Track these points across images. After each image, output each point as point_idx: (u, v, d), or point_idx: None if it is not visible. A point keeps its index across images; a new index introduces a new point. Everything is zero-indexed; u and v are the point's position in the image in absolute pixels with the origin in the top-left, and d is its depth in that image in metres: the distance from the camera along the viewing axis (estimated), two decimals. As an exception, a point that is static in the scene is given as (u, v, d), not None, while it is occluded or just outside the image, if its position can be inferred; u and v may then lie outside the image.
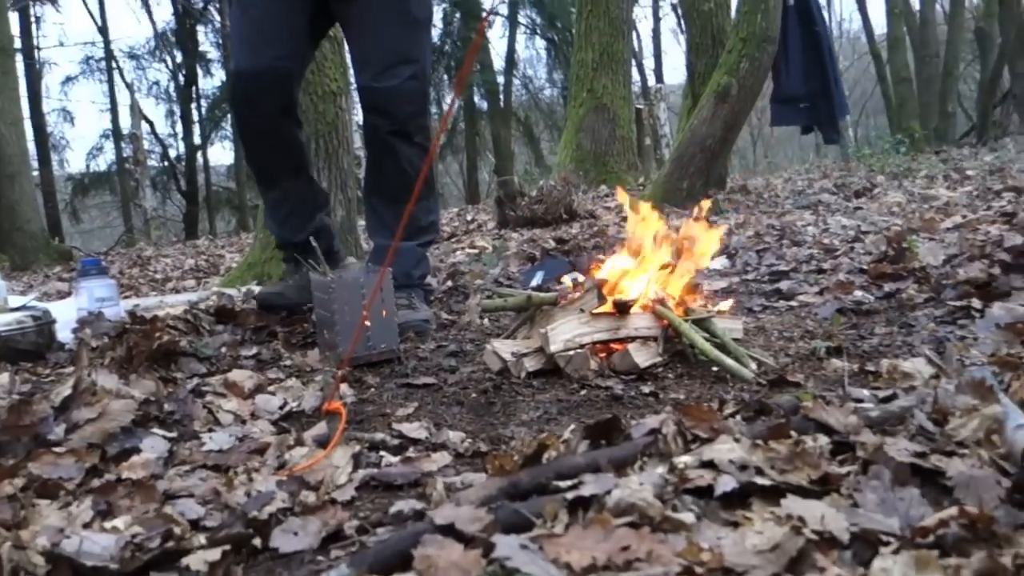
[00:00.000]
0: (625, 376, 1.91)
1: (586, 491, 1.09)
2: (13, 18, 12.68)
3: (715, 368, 1.89)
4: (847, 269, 2.97)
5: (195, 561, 1.04)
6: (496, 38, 21.36)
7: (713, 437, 1.27)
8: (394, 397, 1.88)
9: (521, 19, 20.93)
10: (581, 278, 2.27)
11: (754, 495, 1.10)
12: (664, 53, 29.97)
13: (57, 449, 1.45)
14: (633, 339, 2.01)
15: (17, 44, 11.76)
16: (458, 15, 20.37)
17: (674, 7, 23.06)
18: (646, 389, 1.80)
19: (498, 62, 21.07)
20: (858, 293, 2.53)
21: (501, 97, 21.01)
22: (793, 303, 2.58)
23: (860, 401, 1.47)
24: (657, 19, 24.67)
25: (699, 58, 7.39)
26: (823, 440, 1.22)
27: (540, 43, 21.56)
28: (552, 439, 1.27)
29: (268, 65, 2.41)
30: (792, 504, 1.04)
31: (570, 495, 1.09)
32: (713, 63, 6.87)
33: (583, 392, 1.83)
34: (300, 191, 2.64)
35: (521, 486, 1.13)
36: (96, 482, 1.36)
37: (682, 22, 15.23)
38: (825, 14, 6.97)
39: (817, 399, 1.41)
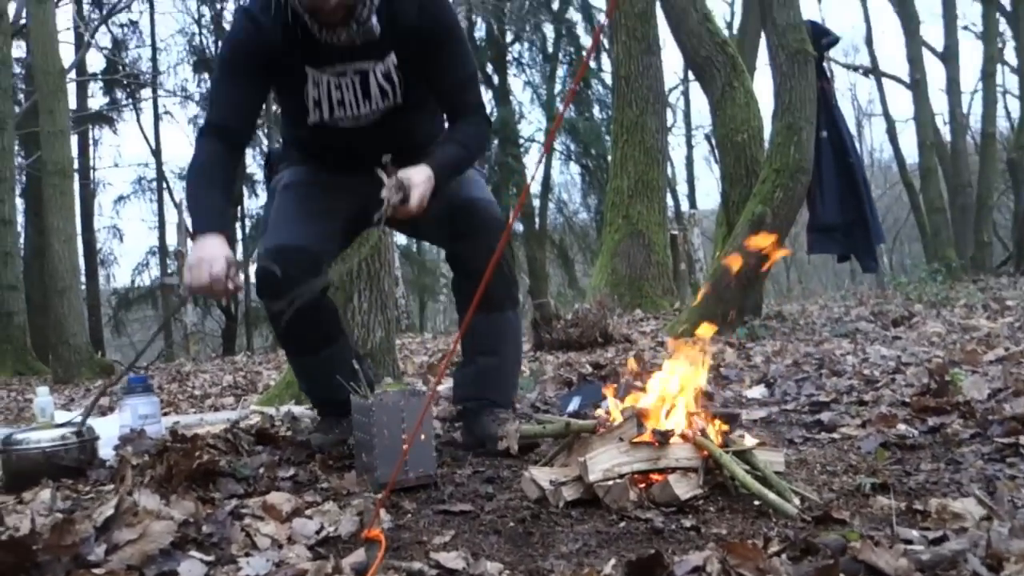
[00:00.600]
0: (665, 508, 1.88)
1: (630, 633, 1.07)
2: (72, 140, 13.26)
3: (757, 502, 1.86)
4: (889, 401, 2.93)
5: None
6: (532, 163, 21.89)
7: (759, 577, 1.24)
8: (431, 524, 1.86)
9: (557, 145, 21.52)
10: (616, 403, 2.26)
11: (803, 641, 1.07)
12: (697, 179, 30.59)
13: (96, 571, 1.45)
14: (673, 470, 1.99)
15: (74, 166, 12.25)
16: (496, 141, 21.00)
17: (707, 137, 23.63)
18: (687, 523, 1.77)
19: (534, 186, 21.55)
20: (901, 427, 2.49)
21: (536, 220, 21.41)
22: (835, 435, 2.54)
23: (909, 542, 1.44)
24: (690, 147, 25.28)
25: (733, 187, 7.51)
26: (873, 583, 1.19)
27: (575, 168, 22.08)
28: (593, 574, 1.25)
29: (306, 244, 2.44)
30: (844, 652, 1.01)
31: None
32: (747, 192, 6.98)
33: (622, 524, 1.80)
34: (340, 356, 2.62)
35: (563, 625, 1.11)
36: (133, 607, 1.35)
37: (715, 151, 15.60)
38: (857, 144, 7.09)
39: (865, 539, 1.37)
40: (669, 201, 19.05)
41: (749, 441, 2.09)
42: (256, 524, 1.78)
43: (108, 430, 2.64)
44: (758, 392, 3.42)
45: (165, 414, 3.69)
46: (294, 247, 2.41)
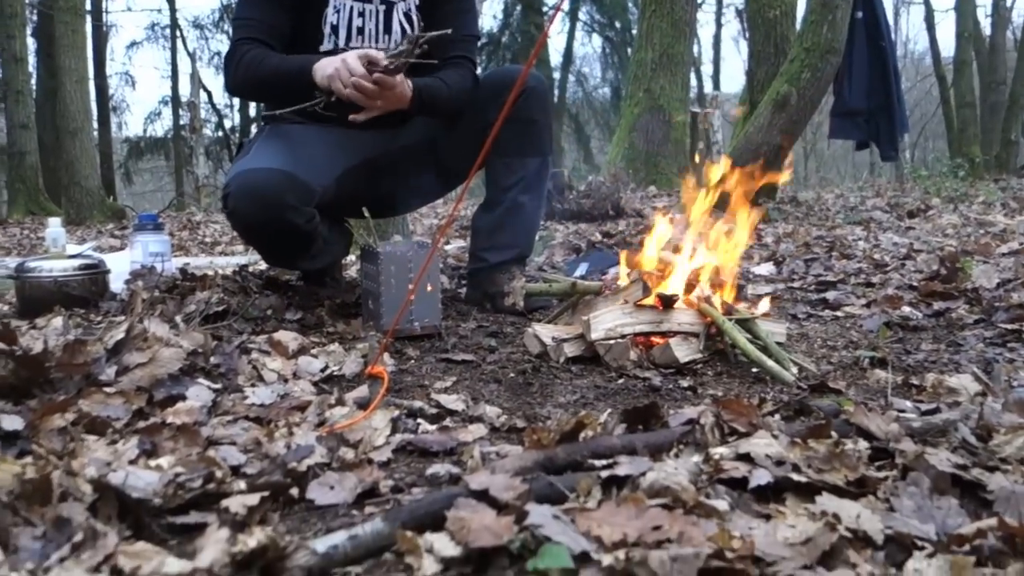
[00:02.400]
0: (664, 369, 1.91)
1: (621, 471, 1.10)
2: (85, -22, 12.90)
3: (755, 369, 1.89)
4: (896, 285, 2.93)
5: (234, 504, 1.07)
6: (554, 33, 21.30)
7: (751, 432, 1.27)
8: (433, 370, 1.90)
9: (580, 16, 20.88)
10: (626, 270, 2.27)
11: (788, 491, 1.10)
12: (723, 60, 29.67)
13: (107, 389, 1.49)
14: (675, 334, 2.01)
15: (87, 6, 11.97)
16: (519, 8, 20.38)
17: (738, 13, 22.85)
18: (684, 383, 1.80)
19: (555, 57, 21.05)
20: (906, 309, 2.50)
21: (556, 92, 20.99)
22: (839, 313, 2.56)
23: (902, 411, 1.46)
24: (719, 25, 24.46)
25: (760, 65, 7.31)
26: (863, 444, 1.22)
27: (597, 41, 21.49)
28: (590, 419, 1.28)
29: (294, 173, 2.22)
30: (827, 502, 1.04)
31: (604, 473, 1.10)
32: (774, 71, 6.80)
33: (621, 381, 1.83)
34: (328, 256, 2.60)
35: (557, 461, 1.14)
36: (142, 423, 1.39)
37: (745, 29, 15.10)
38: (892, 31, 6.85)
39: (859, 405, 1.40)
40: (692, 80, 18.62)
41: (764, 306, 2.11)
42: (263, 359, 1.82)
43: (119, 266, 2.67)
44: (766, 269, 3.43)
45: (176, 256, 3.72)
46: (285, 171, 2.21)
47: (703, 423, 1.28)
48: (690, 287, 2.13)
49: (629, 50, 18.25)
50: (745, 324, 1.99)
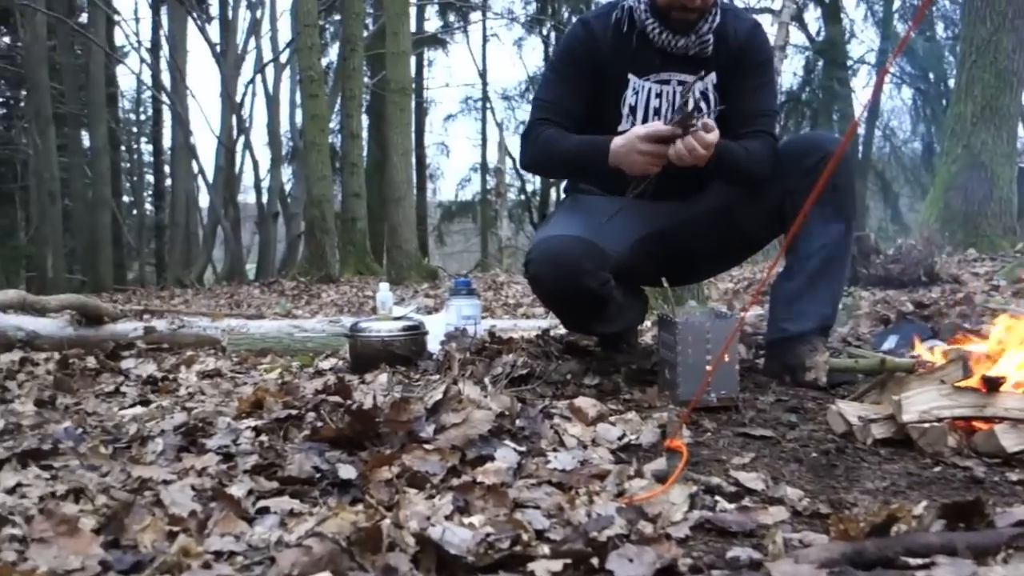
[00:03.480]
0: (988, 459, 1.74)
1: (939, 573, 1.03)
2: (412, 61, 14.34)
3: (1102, 466, 1.67)
4: None
5: (539, 568, 1.13)
6: (859, 86, 20.34)
7: (1097, 542, 1.13)
8: (731, 444, 1.87)
9: (890, 68, 19.76)
10: (944, 347, 2.12)
11: None
12: (1060, 107, 26.64)
13: (426, 446, 1.64)
14: (1001, 420, 1.83)
15: (412, 85, 13.29)
16: (820, 63, 19.73)
17: (1077, 57, 20.49)
18: (1013, 476, 1.64)
19: (859, 111, 20.06)
20: None
21: (860, 147, 19.96)
22: None
23: None
24: (1053, 70, 22.04)
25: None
26: None
27: (907, 93, 20.21)
28: (903, 511, 1.21)
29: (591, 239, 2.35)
30: None
31: (920, 574, 1.03)
32: (1124, 121, 6.03)
33: (937, 469, 1.70)
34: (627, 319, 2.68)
35: (866, 555, 1.09)
36: (456, 481, 1.51)
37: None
38: None
39: None
40: (1020, 132, 16.92)
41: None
42: (564, 424, 1.90)
43: (436, 327, 2.91)
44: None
45: (483, 318, 3.97)
46: (582, 238, 2.35)
47: (1037, 527, 1.16)
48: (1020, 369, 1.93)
49: (943, 102, 17.01)
50: (1088, 413, 1.77)
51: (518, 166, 2.76)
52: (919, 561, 1.07)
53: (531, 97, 21.67)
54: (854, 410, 1.94)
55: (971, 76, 9.10)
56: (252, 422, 1.96)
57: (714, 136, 2.19)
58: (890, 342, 3.02)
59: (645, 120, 2.47)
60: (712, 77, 2.49)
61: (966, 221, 8.83)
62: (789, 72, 19.56)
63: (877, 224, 20.04)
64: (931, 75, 18.82)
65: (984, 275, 6.33)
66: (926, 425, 1.82)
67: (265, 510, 1.44)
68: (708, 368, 2.10)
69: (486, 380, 2.24)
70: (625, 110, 2.48)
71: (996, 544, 1.13)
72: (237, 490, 1.49)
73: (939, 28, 18.93)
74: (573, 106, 2.49)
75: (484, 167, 22.19)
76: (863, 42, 21.00)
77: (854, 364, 2.27)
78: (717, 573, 1.14)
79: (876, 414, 1.91)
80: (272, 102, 19.26)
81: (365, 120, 17.12)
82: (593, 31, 2.47)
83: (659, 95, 2.47)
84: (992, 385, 1.85)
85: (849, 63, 19.72)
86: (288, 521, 1.38)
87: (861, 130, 19.92)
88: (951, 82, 13.13)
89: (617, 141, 2.28)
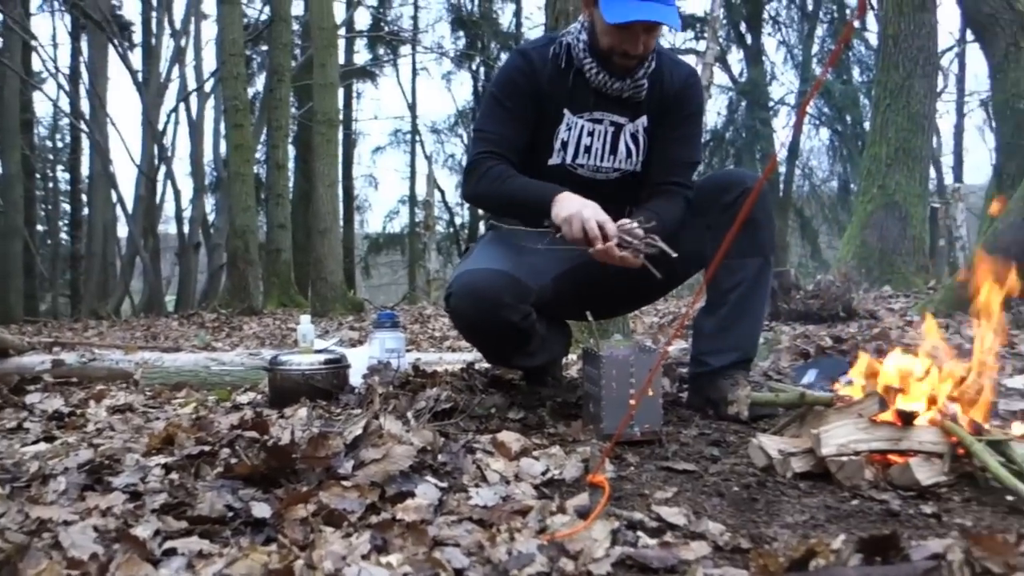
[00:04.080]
0: (903, 492, 1.77)
1: (857, 608, 1.03)
2: (340, 93, 14.27)
3: (1010, 497, 1.71)
4: None
5: (457, 610, 1.10)
6: (779, 126, 20.97)
7: (1008, 574, 1.15)
8: (653, 479, 1.87)
9: (808, 110, 20.44)
10: (859, 380, 2.15)
11: (1055, 647, 0.98)
12: (966, 151, 27.88)
13: (344, 483, 1.59)
14: (915, 453, 1.87)
15: (340, 117, 13.22)
16: (743, 103, 20.29)
17: (983, 103, 21.51)
18: (927, 509, 1.66)
19: (780, 151, 20.64)
20: None
21: (780, 186, 20.53)
22: (1111, 437, 2.27)
23: None
24: (961, 115, 23.08)
25: (1009, 159, 6.84)
26: None
27: (824, 134, 20.90)
28: (822, 546, 1.21)
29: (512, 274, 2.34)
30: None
31: (839, 609, 1.03)
32: (1026, 164, 6.33)
33: (855, 502, 1.72)
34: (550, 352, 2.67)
35: (786, 590, 1.09)
36: (374, 518, 1.47)
37: (991, 119, 14.19)
38: None
39: None
40: (932, 173, 17.64)
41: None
42: (487, 459, 1.87)
43: (358, 360, 2.86)
44: (1021, 382, 3.12)
45: (408, 351, 3.92)
46: (503, 271, 2.34)
47: (951, 559, 1.17)
48: (933, 402, 1.98)
49: (859, 143, 17.62)
50: (997, 446, 1.82)
51: (460, 196, 2.71)
52: (837, 596, 1.07)
53: (460, 131, 21.76)
54: (774, 444, 1.96)
55: (885, 119, 9.46)
56: (162, 459, 1.88)
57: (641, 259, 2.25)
58: (810, 376, 3.07)
59: (575, 157, 2.49)
60: (643, 120, 2.53)
61: (881, 258, 9.12)
62: (713, 112, 20.07)
63: (797, 260, 20.59)
64: (847, 117, 19.51)
65: (899, 311, 6.52)
66: (844, 458, 1.84)
67: (172, 551, 1.37)
68: (632, 402, 2.10)
69: (409, 414, 2.21)
70: (557, 144, 2.49)
71: (911, 577, 1.14)
72: (143, 531, 1.42)
73: (855, 72, 19.68)
74: (515, 137, 2.47)
75: (412, 199, 22.15)
76: (783, 84, 21.70)
77: (775, 398, 2.30)
78: (638, 611, 1.12)
79: (796, 447, 1.93)
80: (195, 131, 18.93)
81: (292, 151, 16.96)
82: (533, 62, 2.47)
83: (591, 133, 2.49)
84: (907, 419, 1.89)
85: (770, 104, 20.33)
86: (196, 563, 1.32)
87: (782, 169, 20.51)
88: (866, 124, 13.61)
89: (565, 203, 2.27)
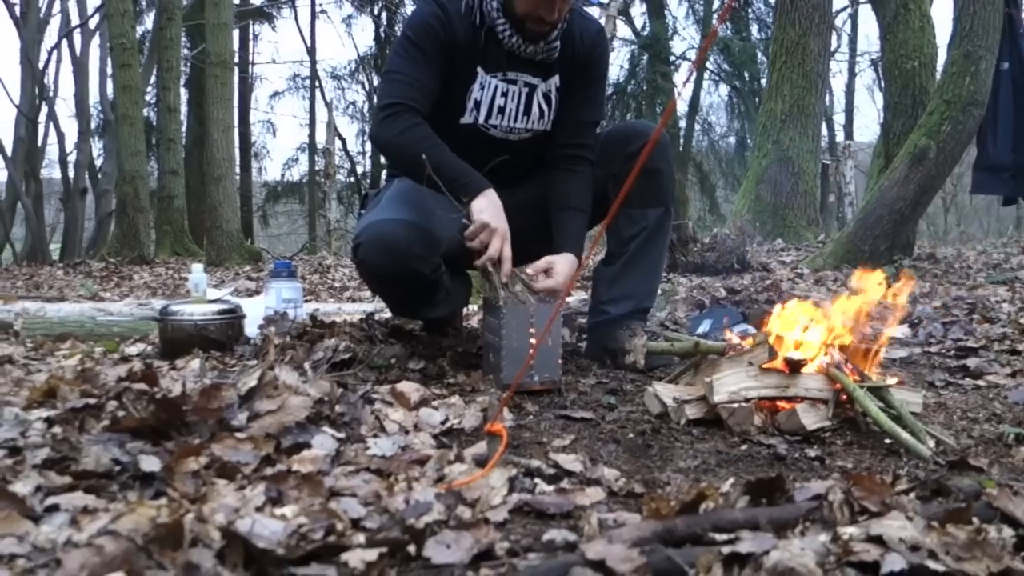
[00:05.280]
0: (790, 436, 1.85)
1: (743, 548, 1.06)
2: (234, 34, 13.74)
3: (888, 441, 1.80)
4: (1046, 353, 2.76)
5: (353, 558, 1.08)
6: (681, 82, 21.23)
7: (883, 512, 1.21)
8: (551, 427, 1.89)
9: (708, 65, 20.76)
10: (752, 330, 2.22)
11: (924, 579, 1.04)
12: (856, 109, 28.84)
13: (238, 435, 1.55)
14: (802, 399, 1.94)
15: (235, 59, 12.73)
16: (645, 58, 20.44)
17: (873, 63, 22.24)
18: (811, 453, 1.74)
19: (681, 106, 20.95)
20: (1056, 380, 2.34)
21: (680, 142, 20.86)
22: (980, 383, 2.42)
23: (1052, 496, 1.36)
24: (852, 74, 23.83)
25: (896, 118, 7.08)
26: (1007, 532, 1.14)
27: (724, 90, 21.29)
28: (711, 490, 1.25)
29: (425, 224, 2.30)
30: (967, 595, 0.98)
31: (726, 549, 1.06)
32: (911, 124, 6.58)
33: (744, 447, 1.78)
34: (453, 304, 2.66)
35: (676, 533, 1.11)
36: (269, 470, 1.44)
37: (880, 79, 14.67)
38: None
39: (1003, 488, 1.31)
40: (824, 131, 18.21)
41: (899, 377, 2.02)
42: (385, 410, 1.86)
43: (254, 310, 2.79)
44: (900, 332, 3.28)
45: (306, 302, 3.85)
46: (414, 223, 2.28)
47: (831, 499, 1.22)
48: (821, 351, 2.05)
49: (756, 100, 18.03)
50: (878, 392, 1.91)
51: (368, 135, 2.55)
52: (725, 536, 1.10)
53: (361, 78, 21.23)
54: (669, 392, 2.01)
55: (781, 76, 9.70)
56: (44, 412, 1.79)
57: (555, 280, 2.28)
58: (704, 326, 3.16)
59: (488, 117, 2.45)
60: (555, 80, 2.51)
61: (775, 213, 9.41)
62: (616, 65, 20.15)
63: (696, 214, 21.01)
64: (745, 74, 19.88)
65: (790, 264, 6.76)
66: (735, 405, 1.90)
67: (55, 508, 1.31)
68: (532, 352, 2.11)
69: (306, 365, 2.17)
70: (470, 103, 2.44)
71: (795, 517, 1.19)
72: (23, 487, 1.35)
73: (754, 29, 20.02)
74: (429, 82, 2.36)
75: (312, 147, 21.55)
76: (685, 39, 21.86)
77: (670, 347, 2.35)
78: (534, 556, 1.13)
79: (689, 395, 1.98)
80: (80, 70, 17.92)
81: (184, 94, 16.28)
82: (448, 11, 2.37)
83: (504, 94, 2.45)
84: (794, 366, 1.96)
85: (672, 59, 20.52)
86: (80, 519, 1.27)
87: (682, 124, 20.81)
88: (764, 81, 13.90)
89: (489, 208, 2.22)
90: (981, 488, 1.34)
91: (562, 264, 2.32)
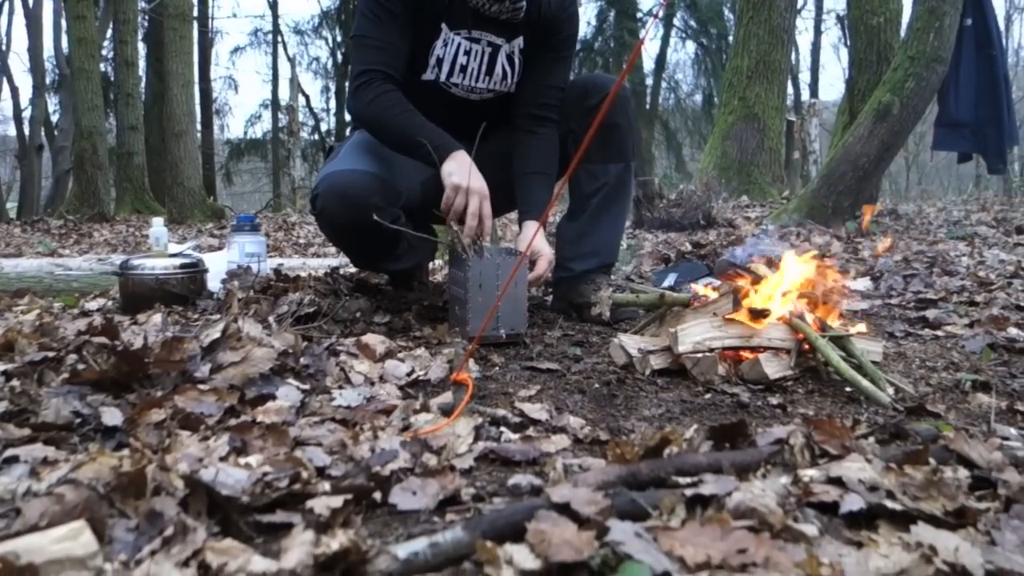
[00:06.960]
0: (753, 385, 1.87)
1: (706, 490, 1.07)
2: (193, -14, 13.41)
3: (849, 389, 1.83)
4: (1002, 304, 2.81)
5: (319, 505, 1.08)
6: (647, 39, 21.13)
7: (843, 455, 1.23)
8: (517, 378, 1.89)
9: (675, 21, 20.66)
10: (717, 283, 2.23)
11: (882, 519, 1.06)
12: (822, 68, 28.91)
13: (201, 386, 1.53)
14: (765, 349, 1.96)
15: (194, 12, 12.44)
16: (613, 14, 20.30)
17: (839, 19, 22.26)
18: (774, 400, 1.76)
19: (647, 63, 20.89)
20: (1012, 330, 2.39)
21: (648, 98, 20.82)
22: (939, 333, 2.46)
23: (1006, 439, 1.39)
24: (818, 32, 23.84)
25: (861, 74, 7.11)
26: (963, 473, 1.16)
27: (691, 47, 21.24)
28: (675, 435, 1.26)
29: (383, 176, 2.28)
30: (923, 532, 1.00)
31: (689, 492, 1.07)
32: (875, 80, 6.61)
33: (708, 396, 1.79)
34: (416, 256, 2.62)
35: (640, 476, 1.12)
36: (233, 421, 1.43)
37: (846, 36, 14.69)
38: (1003, 38, 6.56)
39: (959, 431, 1.34)
40: (789, 89, 18.23)
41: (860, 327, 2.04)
42: (351, 362, 1.85)
43: (217, 265, 2.75)
44: (862, 284, 3.32)
45: (270, 257, 3.81)
46: (373, 173, 2.27)
47: (792, 443, 1.24)
48: (783, 301, 2.07)
49: (723, 56, 18.00)
50: (839, 341, 1.93)
51: (348, 111, 2.52)
52: (688, 480, 1.11)
53: (324, 33, 20.85)
54: (634, 342, 2.02)
55: (747, 32, 9.67)
56: (2, 366, 1.77)
57: (543, 264, 2.34)
58: (670, 279, 3.17)
59: (450, 75, 2.42)
60: (520, 41, 2.47)
61: (740, 169, 9.45)
62: (583, 21, 19.98)
63: (662, 172, 21.06)
64: (712, 31, 19.83)
65: (755, 219, 6.80)
66: (699, 355, 1.92)
67: (14, 459, 1.29)
68: (496, 304, 2.11)
69: (270, 319, 2.15)
70: (432, 59, 2.39)
71: (756, 461, 1.20)
72: (-21, 440, 1.34)
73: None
74: (400, 43, 2.33)
75: (275, 104, 21.21)
76: (652, -4, 21.76)
77: (636, 299, 2.36)
78: (499, 500, 1.14)
79: (654, 346, 1.99)
80: (33, 23, 17.43)
81: (142, 48, 15.89)
82: None
83: (468, 52, 2.41)
84: (758, 317, 1.97)
85: (639, 15, 20.39)
86: (40, 469, 1.25)
87: (649, 81, 20.75)
88: (731, 38, 13.88)
89: (460, 169, 2.19)
90: (938, 432, 1.37)
91: (528, 234, 2.35)
